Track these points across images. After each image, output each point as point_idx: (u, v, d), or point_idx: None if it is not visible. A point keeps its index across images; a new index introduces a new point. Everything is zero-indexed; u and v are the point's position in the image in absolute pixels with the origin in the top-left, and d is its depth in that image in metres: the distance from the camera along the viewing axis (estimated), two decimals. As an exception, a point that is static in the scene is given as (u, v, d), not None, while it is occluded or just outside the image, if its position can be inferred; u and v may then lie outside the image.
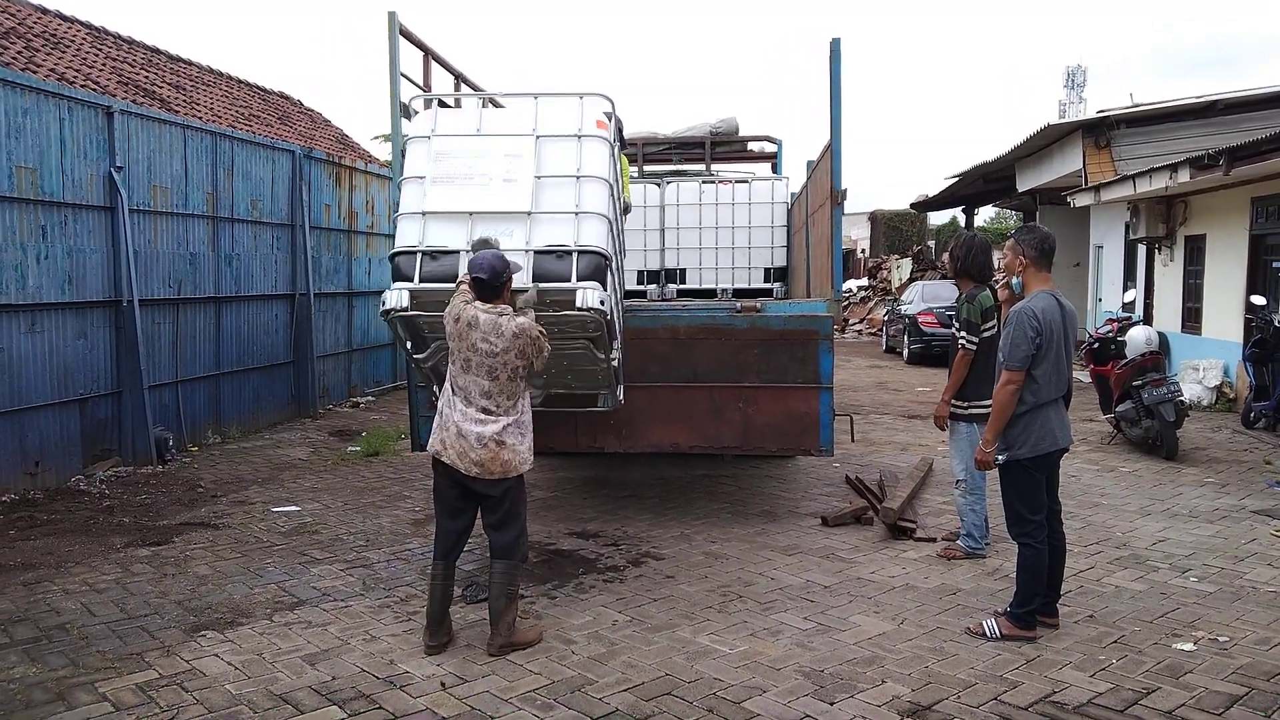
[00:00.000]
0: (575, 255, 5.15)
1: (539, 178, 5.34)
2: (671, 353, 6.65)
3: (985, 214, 46.19)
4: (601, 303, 5.03)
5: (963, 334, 6.04)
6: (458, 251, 5.19)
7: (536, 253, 5.17)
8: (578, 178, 5.35)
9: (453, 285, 4.91)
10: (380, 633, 4.93)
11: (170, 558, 6.21)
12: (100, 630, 4.95)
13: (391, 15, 6.62)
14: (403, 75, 6.80)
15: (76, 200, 8.40)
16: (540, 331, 4.65)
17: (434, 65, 7.56)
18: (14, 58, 10.61)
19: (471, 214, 5.28)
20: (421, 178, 5.49)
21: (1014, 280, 4.97)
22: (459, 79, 8.10)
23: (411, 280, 5.22)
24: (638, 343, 6.62)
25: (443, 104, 6.81)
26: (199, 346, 10.16)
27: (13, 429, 7.79)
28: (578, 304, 5.00)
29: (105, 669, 4.47)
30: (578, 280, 5.10)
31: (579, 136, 5.47)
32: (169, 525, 7.03)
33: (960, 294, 6.23)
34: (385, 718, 3.99)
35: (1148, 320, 15.26)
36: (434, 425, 4.79)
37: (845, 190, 6.64)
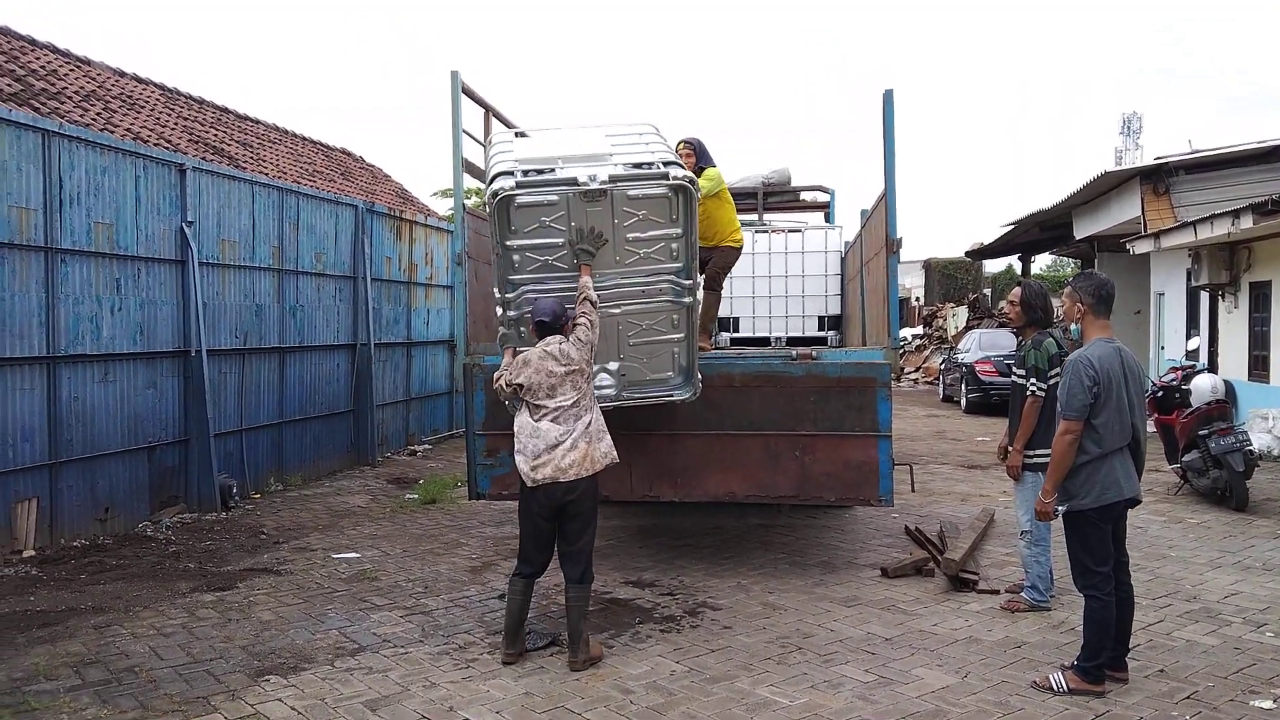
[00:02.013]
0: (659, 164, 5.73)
1: None
2: (726, 400, 6.65)
3: (1041, 261, 45.76)
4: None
5: (1031, 380, 5.98)
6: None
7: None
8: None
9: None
10: (439, 679, 4.96)
11: (234, 603, 6.32)
12: (167, 673, 5.05)
13: (454, 75, 6.83)
14: (465, 132, 6.99)
15: (149, 254, 8.71)
16: (587, 340, 5.30)
17: (494, 121, 7.75)
18: (93, 119, 11.07)
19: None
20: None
21: (1072, 328, 4.92)
22: (518, 135, 8.28)
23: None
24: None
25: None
26: (263, 395, 10.40)
27: (84, 476, 8.02)
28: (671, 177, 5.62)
29: (172, 712, 4.55)
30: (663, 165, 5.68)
31: None
32: (233, 571, 7.16)
33: (1024, 341, 6.17)
34: (446, 764, 4.01)
35: (1212, 368, 14.93)
36: (518, 458, 5.20)
37: (900, 239, 6.64)
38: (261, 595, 6.50)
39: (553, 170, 5.65)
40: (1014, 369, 6.26)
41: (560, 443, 5.14)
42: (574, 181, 5.55)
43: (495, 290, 5.89)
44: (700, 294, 6.13)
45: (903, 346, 31.43)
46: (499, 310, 5.86)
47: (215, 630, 5.75)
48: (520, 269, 5.78)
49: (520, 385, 5.23)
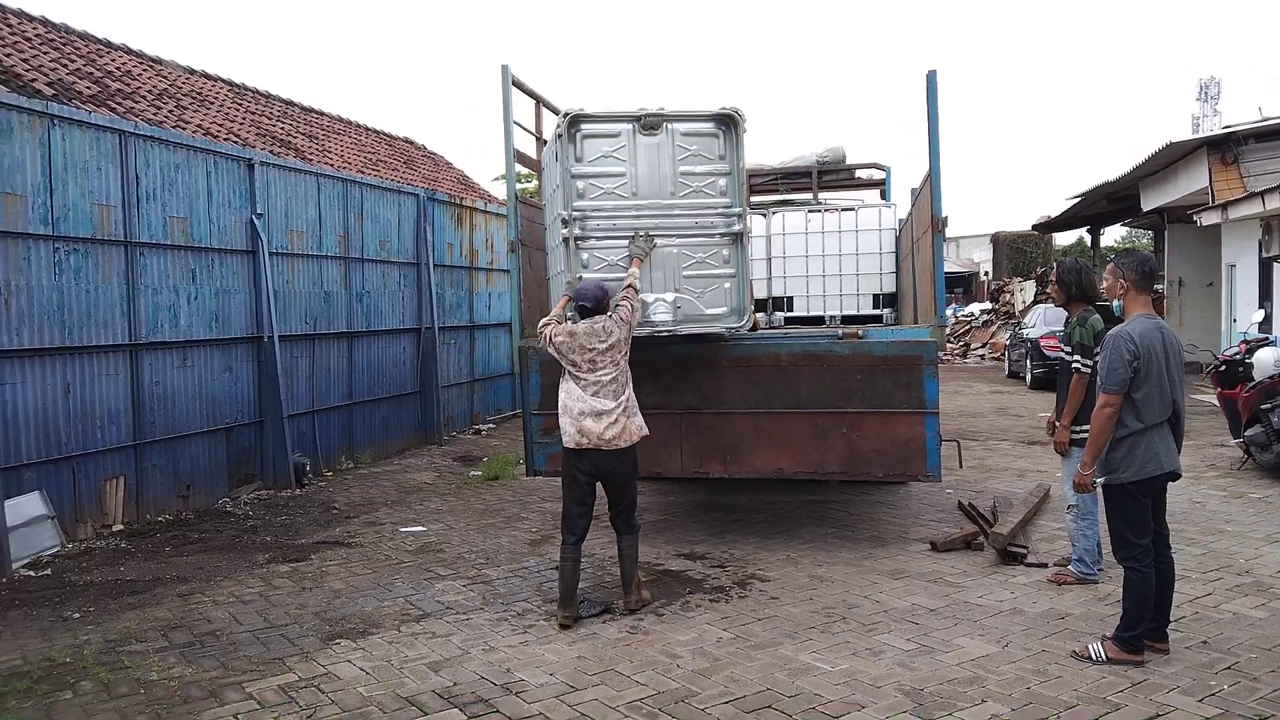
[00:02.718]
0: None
1: None
2: (775, 379, 6.81)
3: (1115, 233, 44.68)
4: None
5: (1076, 357, 6.03)
6: None
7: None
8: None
9: None
10: (498, 644, 5.23)
11: (308, 573, 6.69)
12: (246, 637, 5.40)
13: (505, 68, 7.05)
14: (516, 123, 7.21)
15: (222, 246, 9.13)
16: (625, 321, 5.75)
17: (544, 112, 7.97)
18: (166, 116, 11.54)
19: None
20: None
21: (1115, 304, 4.97)
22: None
23: None
24: (741, 369, 6.82)
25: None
26: (333, 378, 10.82)
27: (167, 456, 8.48)
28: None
29: (251, 671, 4.90)
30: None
31: None
32: (306, 544, 7.54)
33: (1070, 318, 6.21)
34: (502, 721, 4.27)
35: (1285, 341, 14.59)
36: (564, 420, 5.66)
37: (946, 218, 6.70)
38: (333, 566, 6.86)
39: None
40: (1062, 345, 6.30)
41: (603, 414, 5.59)
42: (636, 116, 6.39)
43: (560, 210, 6.37)
44: (740, 229, 6.69)
45: (969, 322, 31.13)
46: (562, 230, 6.36)
47: (290, 598, 6.11)
48: (584, 195, 6.37)
49: (559, 350, 5.70)
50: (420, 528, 8.06)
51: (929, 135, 6.65)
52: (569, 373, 5.70)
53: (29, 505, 7.10)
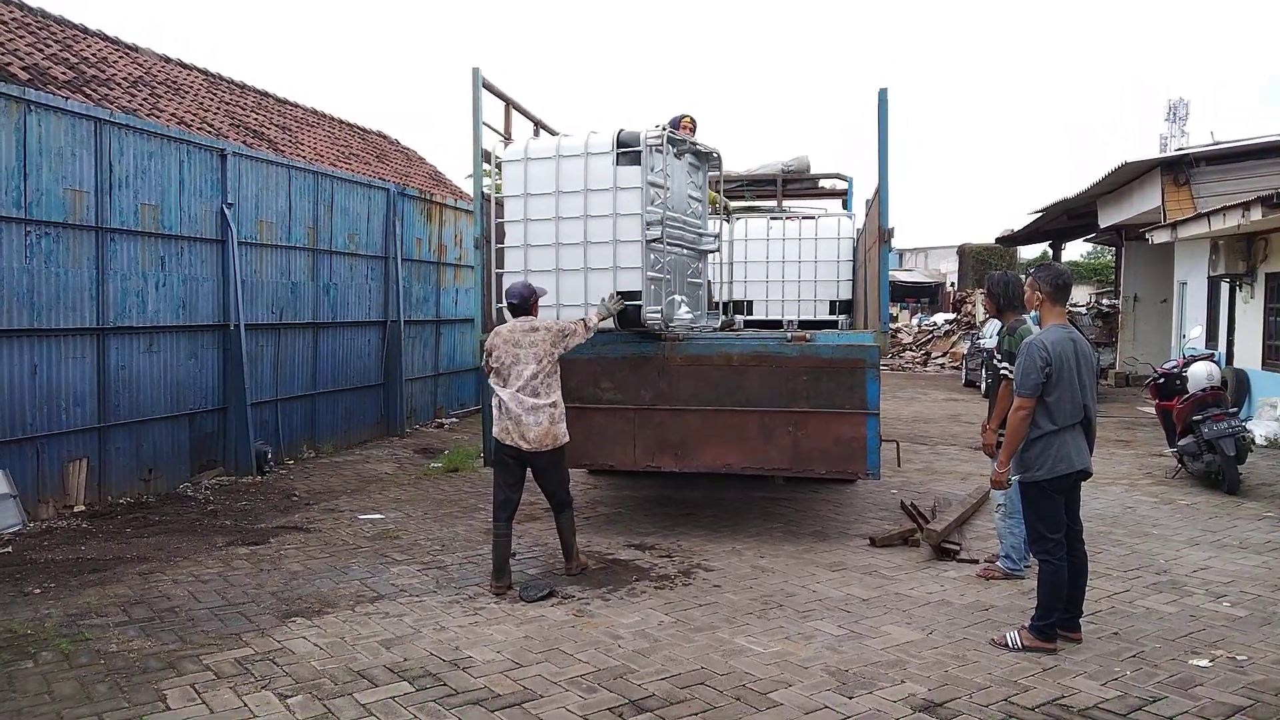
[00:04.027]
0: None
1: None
2: (725, 378, 7.09)
3: (1079, 249, 45.46)
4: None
5: (1003, 364, 6.34)
6: None
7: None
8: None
9: None
10: (449, 624, 5.46)
11: (266, 556, 6.87)
12: (204, 613, 5.59)
13: (475, 71, 7.28)
14: (485, 124, 7.44)
15: (192, 234, 9.28)
16: (560, 328, 6.19)
17: (513, 113, 8.20)
18: (140, 104, 11.65)
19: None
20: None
21: (1031, 314, 5.28)
22: (537, 125, 8.74)
23: None
24: (693, 368, 7.09)
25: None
26: (297, 368, 10.97)
27: (130, 439, 8.62)
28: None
29: (208, 645, 5.09)
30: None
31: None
32: (266, 528, 7.72)
33: (1002, 327, 6.53)
34: (449, 693, 4.50)
35: (1229, 358, 15.10)
36: (494, 419, 6.15)
37: (892, 229, 7.01)
38: (291, 550, 7.05)
39: None
40: (993, 353, 6.62)
41: (526, 411, 6.02)
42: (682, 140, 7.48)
43: (642, 212, 6.92)
44: (715, 247, 8.11)
45: (931, 332, 31.63)
46: (648, 232, 6.97)
47: (248, 579, 6.30)
48: (651, 200, 6.98)
49: (489, 354, 6.16)
50: (379, 515, 8.25)
51: (879, 150, 6.96)
52: (496, 370, 6.13)
53: (-8, 483, 7.23)
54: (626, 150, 6.83)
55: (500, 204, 7.36)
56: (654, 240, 6.87)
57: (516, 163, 7.18)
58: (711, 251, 8.08)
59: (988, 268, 40.75)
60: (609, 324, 6.73)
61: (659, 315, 6.95)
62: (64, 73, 10.76)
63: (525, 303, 6.24)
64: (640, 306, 6.80)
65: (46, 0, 12.52)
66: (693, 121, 8.74)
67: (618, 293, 6.73)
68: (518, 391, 6.03)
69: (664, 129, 6.95)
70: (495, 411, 6.15)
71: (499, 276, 7.38)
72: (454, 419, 14.44)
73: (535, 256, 7.15)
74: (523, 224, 7.18)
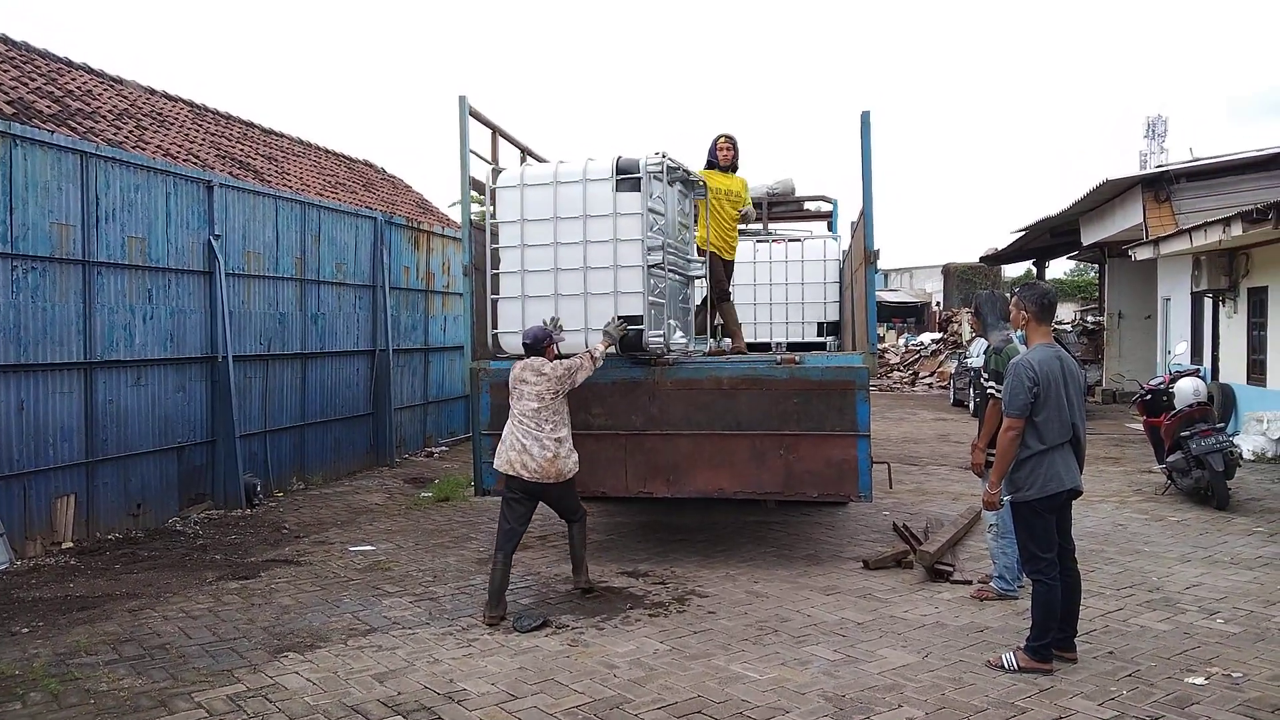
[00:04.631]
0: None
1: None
2: (715, 402, 7.09)
3: (1063, 266, 45.77)
4: None
5: (990, 384, 6.37)
6: None
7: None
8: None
9: None
10: (443, 656, 5.42)
11: (257, 590, 6.82)
12: (195, 650, 5.54)
13: (462, 99, 7.32)
14: (472, 152, 7.47)
15: (179, 266, 9.26)
16: (565, 370, 6.32)
17: (500, 141, 8.23)
18: (126, 136, 11.64)
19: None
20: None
21: (1017, 333, 5.32)
22: (524, 152, 8.78)
23: None
24: (683, 392, 7.09)
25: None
26: (286, 399, 10.93)
27: (118, 474, 8.56)
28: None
29: (200, 682, 5.04)
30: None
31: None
32: (256, 562, 7.66)
33: (989, 346, 6.56)
34: (443, 727, 4.47)
35: (1214, 373, 15.20)
36: (499, 449, 6.30)
37: (878, 251, 7.07)
38: (282, 583, 7.00)
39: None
40: (980, 372, 6.65)
41: (528, 445, 6.18)
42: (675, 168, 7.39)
43: (646, 238, 7.01)
44: (703, 273, 8.11)
45: (918, 351, 31.75)
46: (652, 256, 7.06)
47: (239, 614, 6.25)
48: (650, 226, 7.05)
49: (509, 385, 6.38)
50: (369, 547, 8.20)
51: (863, 172, 7.02)
52: (510, 404, 6.36)
53: (-21, 521, 7.16)
54: (626, 176, 6.88)
55: (495, 230, 7.36)
56: (655, 265, 6.93)
57: (512, 189, 7.20)
58: (699, 278, 8.10)
59: (972, 287, 40.98)
60: (611, 350, 6.74)
61: (661, 339, 7.01)
62: (49, 106, 10.74)
63: (538, 344, 6.43)
64: (641, 331, 6.86)
65: (31, 34, 12.52)
66: (729, 141, 8.70)
67: (619, 317, 6.79)
68: (519, 424, 6.23)
69: (662, 156, 7.02)
70: (500, 445, 6.34)
71: (494, 302, 7.39)
72: (443, 447, 14.39)
73: (532, 281, 7.14)
74: (519, 249, 7.16)
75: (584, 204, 6.98)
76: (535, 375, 6.27)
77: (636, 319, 6.88)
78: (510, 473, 6.21)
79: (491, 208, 7.39)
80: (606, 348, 6.62)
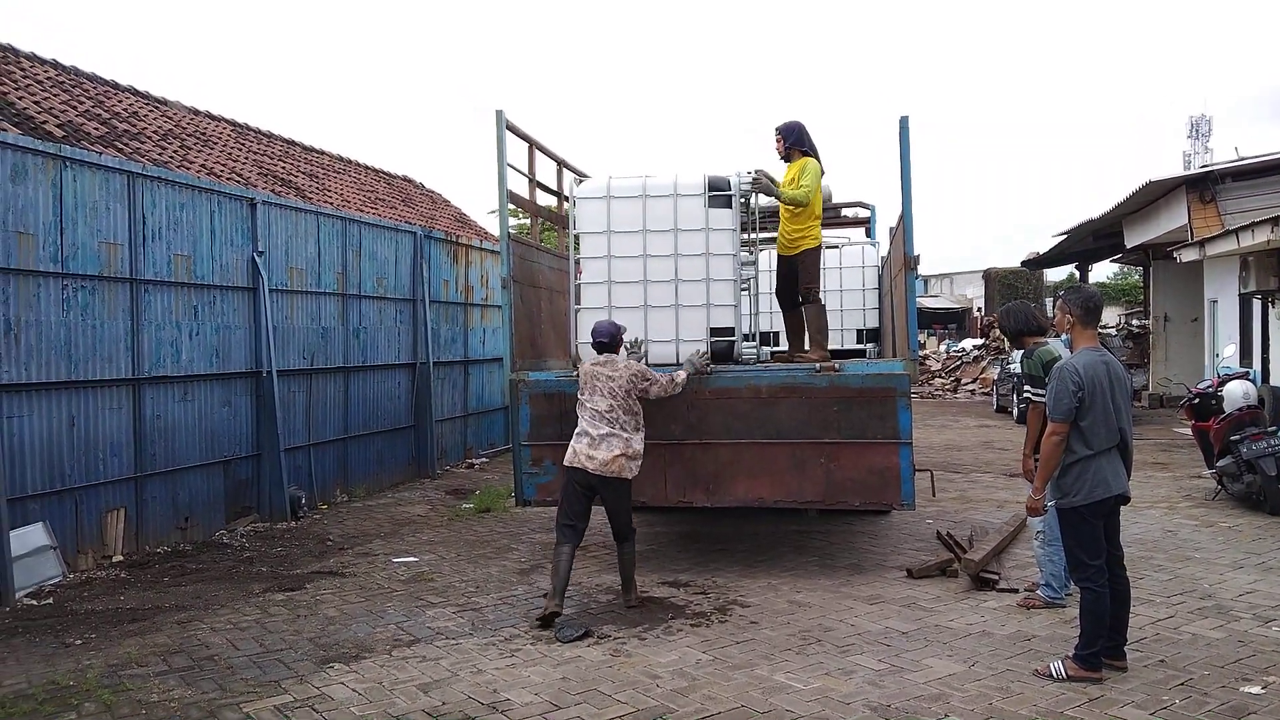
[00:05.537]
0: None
1: None
2: (754, 411, 7.07)
3: (1106, 270, 45.09)
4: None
5: (1028, 388, 6.30)
6: None
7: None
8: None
9: None
10: (486, 666, 5.44)
11: (303, 601, 6.90)
12: (243, 661, 5.61)
13: (499, 114, 7.38)
14: (510, 165, 7.53)
15: (224, 283, 9.42)
16: (640, 371, 6.49)
17: (537, 154, 8.29)
18: (171, 156, 11.88)
19: None
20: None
21: (1063, 337, 5.25)
22: (561, 165, 8.83)
23: None
24: (722, 401, 7.08)
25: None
26: (329, 412, 11.06)
27: (166, 488, 8.71)
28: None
29: (248, 693, 5.10)
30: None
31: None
32: (301, 574, 7.75)
33: (1021, 352, 6.50)
34: (487, 737, 4.48)
35: (1264, 375, 14.88)
36: (570, 446, 6.42)
37: (918, 256, 7.00)
38: (327, 595, 7.07)
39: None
40: (1022, 378, 6.58)
41: (597, 438, 6.31)
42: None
43: (732, 253, 7.33)
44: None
45: (959, 358, 31.43)
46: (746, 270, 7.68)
47: (285, 625, 6.32)
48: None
49: (579, 381, 6.58)
50: (412, 558, 8.27)
51: (902, 178, 6.96)
52: (580, 401, 6.48)
53: (32, 536, 7.31)
54: (719, 193, 7.24)
55: (577, 239, 7.59)
56: (747, 279, 7.17)
57: (597, 200, 7.38)
58: (745, 290, 8.10)
59: (1014, 291, 40.52)
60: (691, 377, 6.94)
61: (755, 351, 7.41)
62: (96, 128, 11.00)
63: (613, 340, 6.58)
64: (733, 343, 7.27)
65: (79, 58, 12.83)
66: (777, 133, 8.23)
67: (711, 333, 7.19)
68: (589, 419, 6.37)
69: (753, 173, 7.40)
70: (574, 441, 6.45)
71: (577, 312, 7.55)
72: (484, 459, 14.48)
73: (620, 293, 7.35)
74: (605, 260, 7.35)
75: (675, 218, 7.25)
76: (610, 371, 6.42)
77: (728, 330, 7.22)
78: (575, 464, 6.32)
79: (574, 212, 7.52)
80: (685, 379, 6.79)
